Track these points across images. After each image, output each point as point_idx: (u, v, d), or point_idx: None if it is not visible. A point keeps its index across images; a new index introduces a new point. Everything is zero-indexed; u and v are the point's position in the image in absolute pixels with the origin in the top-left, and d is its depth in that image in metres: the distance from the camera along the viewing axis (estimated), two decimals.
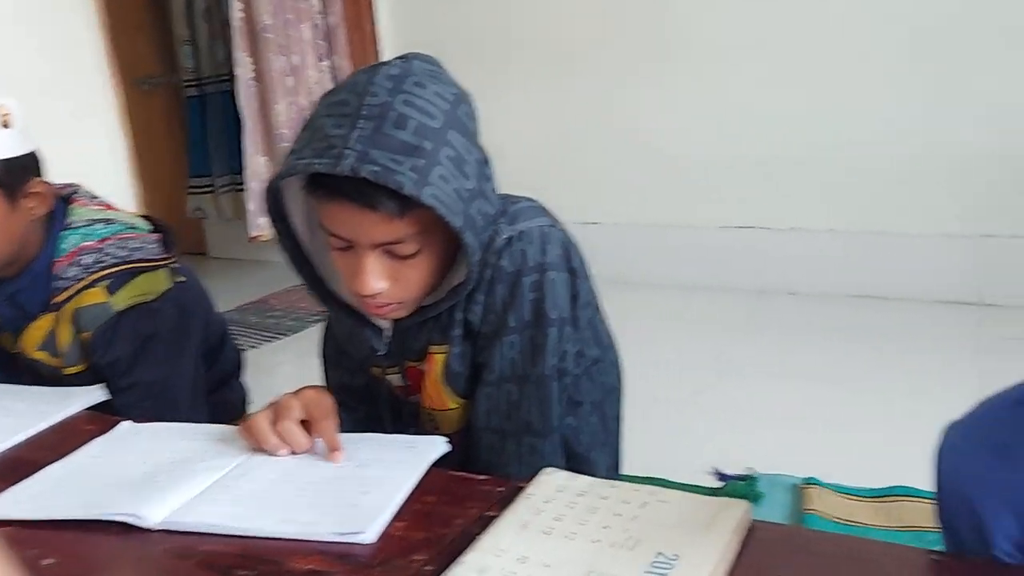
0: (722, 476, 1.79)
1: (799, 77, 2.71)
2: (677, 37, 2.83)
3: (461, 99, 0.98)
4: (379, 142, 0.89)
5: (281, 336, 2.99)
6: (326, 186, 0.92)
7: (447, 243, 0.99)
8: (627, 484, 0.87)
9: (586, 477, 0.87)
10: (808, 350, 2.36)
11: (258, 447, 0.97)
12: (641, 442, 1.87)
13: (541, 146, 3.10)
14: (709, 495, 1.68)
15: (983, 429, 0.76)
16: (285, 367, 2.70)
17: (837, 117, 2.69)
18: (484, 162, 1.01)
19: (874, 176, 2.68)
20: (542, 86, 3.06)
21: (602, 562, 0.73)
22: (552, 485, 0.86)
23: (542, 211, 1.08)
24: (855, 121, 2.67)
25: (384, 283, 0.96)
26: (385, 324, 1.08)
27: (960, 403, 0.82)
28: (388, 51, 3.29)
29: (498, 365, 1.03)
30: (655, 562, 0.72)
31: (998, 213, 2.55)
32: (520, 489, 0.86)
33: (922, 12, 2.55)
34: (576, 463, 1.11)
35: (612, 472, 1.18)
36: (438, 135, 0.92)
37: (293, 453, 0.96)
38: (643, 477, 1.67)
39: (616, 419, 1.20)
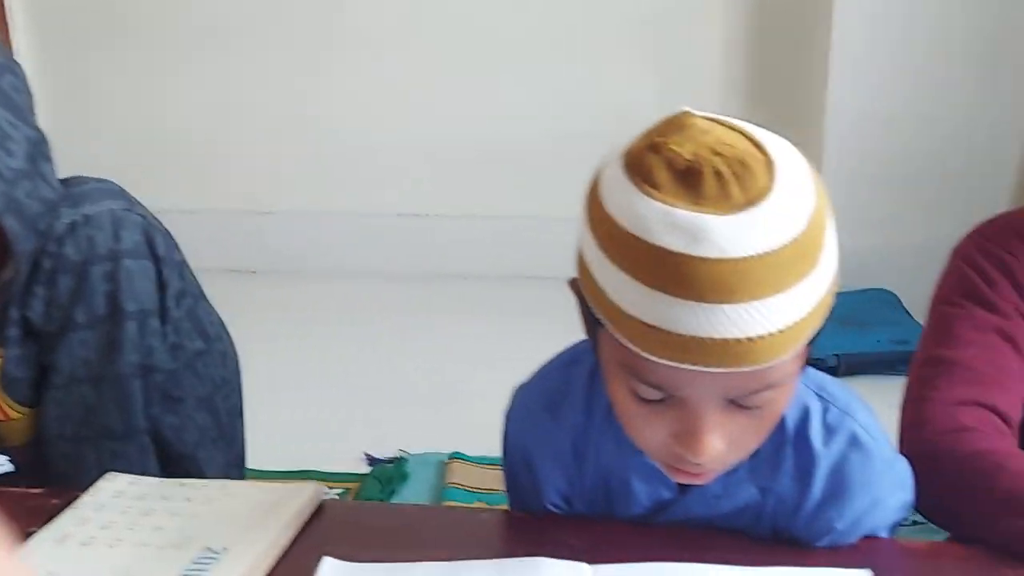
0: (372, 460, 1.80)
1: (458, 64, 2.77)
2: (344, 20, 2.78)
3: (5, 69, 0.87)
4: None
5: None
6: None
7: None
8: (196, 481, 0.83)
9: (150, 479, 0.82)
10: (464, 330, 2.41)
11: None
12: (301, 434, 1.84)
13: (206, 129, 2.91)
14: (356, 480, 1.70)
15: (540, 389, 0.81)
16: None
17: (493, 105, 2.78)
18: (40, 141, 0.91)
19: (529, 161, 2.82)
20: (206, 65, 2.85)
21: (140, 567, 0.68)
22: (109, 491, 0.80)
23: (116, 193, 0.98)
24: (507, 114, 2.77)
25: None
26: None
27: None
28: (21, 28, 2.92)
29: (67, 365, 0.94)
30: (199, 558, 0.69)
31: None
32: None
33: (554, 15, 2.68)
34: (181, 463, 1.04)
35: (232, 469, 1.13)
36: None
37: None
38: (291, 471, 1.65)
39: (233, 413, 1.14)
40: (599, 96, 2.70)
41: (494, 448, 1.77)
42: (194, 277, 1.07)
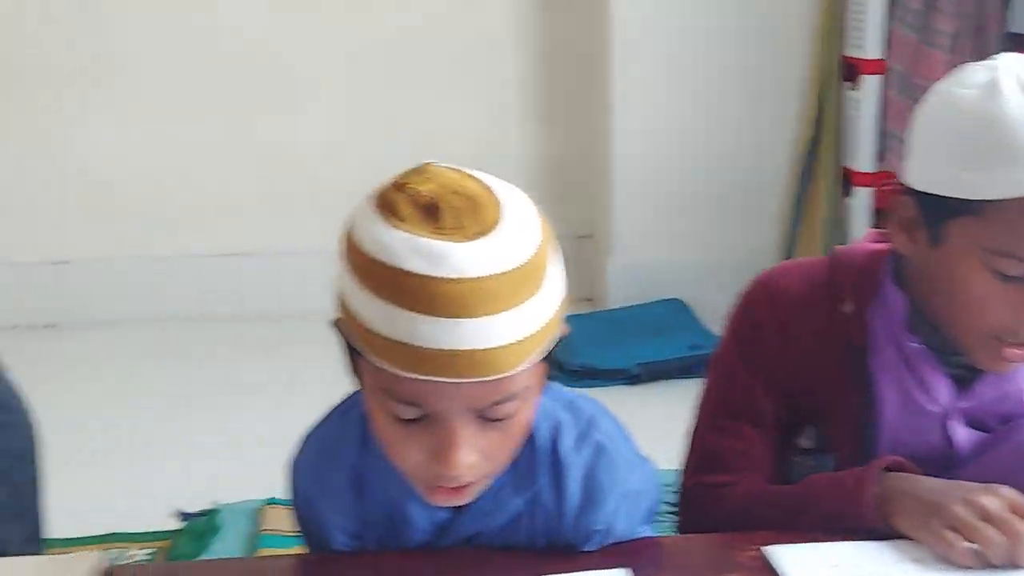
0: (184, 515, 1.74)
1: (214, 105, 2.72)
2: (107, 63, 2.70)
3: None
4: None
5: None
6: None
7: None
8: None
9: None
10: (256, 370, 2.35)
11: None
12: (101, 497, 1.75)
13: None
14: (167, 538, 1.65)
15: (318, 435, 0.85)
16: None
17: (286, 141, 2.75)
18: None
19: (329, 197, 2.79)
20: None
21: None
22: None
23: None
24: (293, 147, 2.75)
25: None
26: None
27: None
28: None
29: None
30: None
31: None
32: None
33: (341, 51, 2.71)
34: None
35: (30, 544, 1.07)
36: None
37: None
38: (95, 536, 1.59)
39: (31, 483, 1.10)
40: (409, 129, 2.73)
41: None
42: None
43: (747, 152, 2.67)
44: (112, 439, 2.00)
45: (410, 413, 0.67)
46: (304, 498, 0.83)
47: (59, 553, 0.92)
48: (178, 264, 2.80)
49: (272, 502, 1.73)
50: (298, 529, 0.86)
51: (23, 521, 1.08)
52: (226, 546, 1.61)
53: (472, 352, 0.62)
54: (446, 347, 0.62)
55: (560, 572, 0.74)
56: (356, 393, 0.82)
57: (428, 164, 0.69)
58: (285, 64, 2.72)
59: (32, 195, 2.75)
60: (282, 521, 1.65)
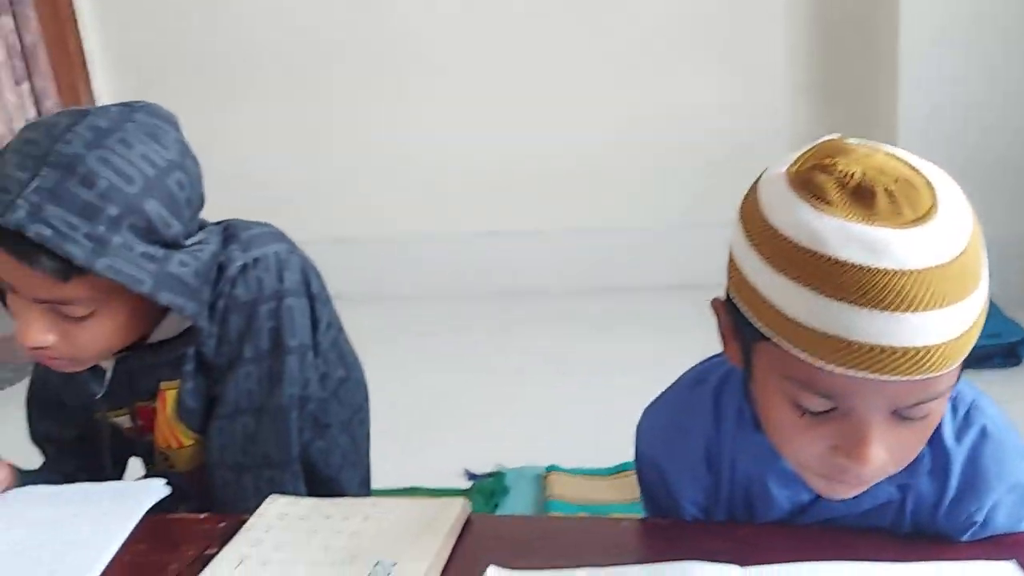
0: (471, 476, 1.84)
1: (521, 88, 2.80)
2: (409, 51, 2.85)
3: (176, 166, 0.91)
4: (59, 197, 0.82)
5: None
6: None
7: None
8: (349, 500, 0.88)
9: (308, 499, 0.88)
10: (551, 344, 2.45)
11: None
12: (399, 453, 1.81)
13: (286, 163, 3.00)
14: (458, 496, 1.74)
15: (667, 408, 0.85)
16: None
17: (560, 123, 2.80)
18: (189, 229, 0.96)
19: (600, 176, 2.84)
20: (282, 101, 2.96)
21: None
22: (274, 513, 0.86)
23: (278, 236, 1.06)
24: (577, 127, 2.79)
25: (50, 337, 0.89)
26: (106, 364, 1.03)
27: None
28: (99, 72, 3.04)
29: (233, 396, 1.01)
30: (373, 572, 0.74)
31: (702, 205, 2.69)
32: (244, 523, 0.84)
33: (617, 28, 2.72)
34: (325, 486, 1.10)
35: (363, 488, 1.19)
36: (130, 202, 0.86)
37: None
38: (399, 489, 1.70)
39: (365, 437, 1.20)
40: (667, 105, 2.71)
41: (586, 459, 1.80)
42: (335, 311, 1.13)
43: None
44: (398, 401, 2.12)
45: (821, 406, 0.63)
46: (652, 465, 0.84)
47: None
48: (454, 241, 2.96)
49: (553, 469, 1.80)
50: (644, 497, 0.87)
51: (359, 468, 1.18)
52: (515, 507, 1.69)
53: (907, 350, 0.57)
54: (882, 343, 0.57)
55: (935, 560, 0.70)
56: (703, 364, 0.83)
57: (839, 140, 0.64)
58: (562, 50, 2.77)
59: (319, 178, 3.00)
60: (565, 488, 1.71)
